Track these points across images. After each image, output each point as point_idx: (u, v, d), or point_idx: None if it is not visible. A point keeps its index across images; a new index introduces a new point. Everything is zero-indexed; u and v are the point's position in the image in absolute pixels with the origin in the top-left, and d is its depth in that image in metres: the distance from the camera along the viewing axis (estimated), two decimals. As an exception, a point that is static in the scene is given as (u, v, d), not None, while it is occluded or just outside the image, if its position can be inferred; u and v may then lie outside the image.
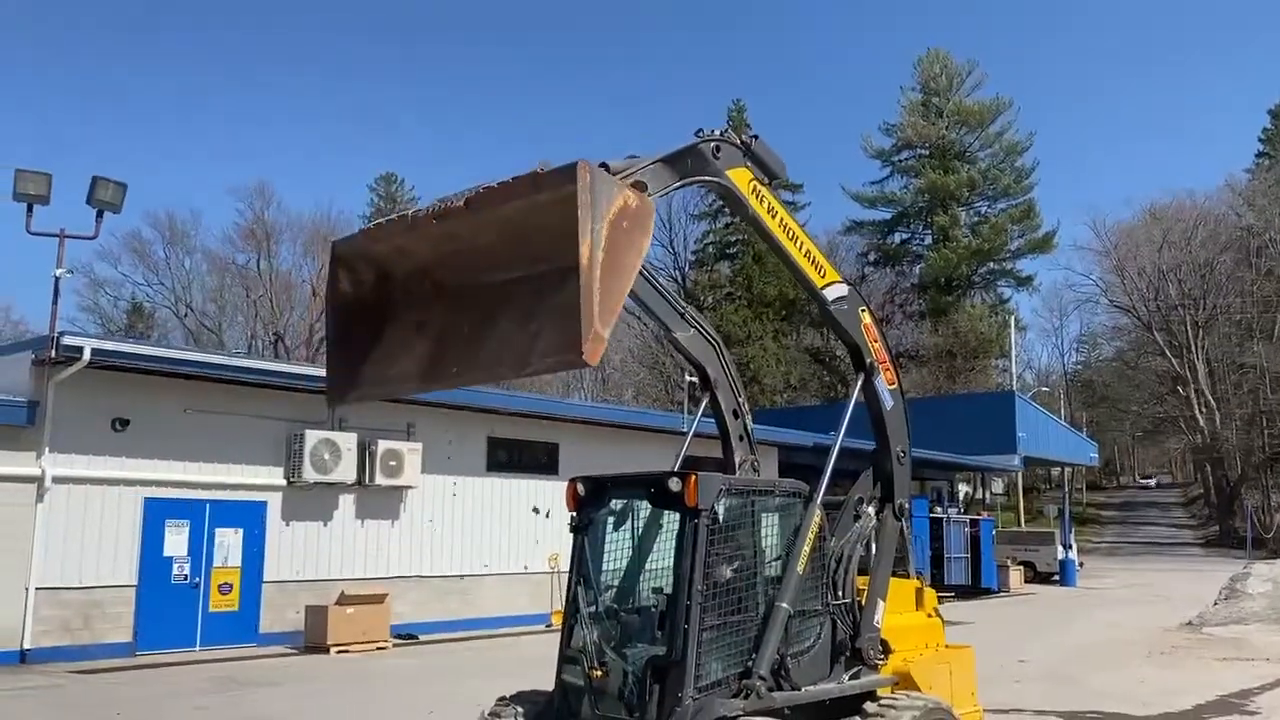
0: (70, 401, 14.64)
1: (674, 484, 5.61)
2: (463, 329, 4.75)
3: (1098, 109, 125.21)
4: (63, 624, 14.43)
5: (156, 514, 15.51)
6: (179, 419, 15.84)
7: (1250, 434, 61.42)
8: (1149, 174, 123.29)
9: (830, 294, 6.47)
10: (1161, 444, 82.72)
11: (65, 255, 16.52)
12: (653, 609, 5.98)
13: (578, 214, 4.10)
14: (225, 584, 16.27)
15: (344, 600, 16.49)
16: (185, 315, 62.70)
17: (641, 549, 6.28)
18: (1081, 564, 38.03)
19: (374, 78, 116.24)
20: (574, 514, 6.23)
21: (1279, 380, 60.30)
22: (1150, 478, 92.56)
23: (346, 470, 17.43)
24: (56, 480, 14.50)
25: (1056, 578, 35.40)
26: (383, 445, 17.96)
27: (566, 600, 6.17)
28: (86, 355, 14.13)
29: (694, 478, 5.59)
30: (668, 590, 5.84)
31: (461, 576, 19.64)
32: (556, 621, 6.50)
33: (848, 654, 6.38)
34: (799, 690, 5.90)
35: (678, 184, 5.39)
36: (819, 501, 6.19)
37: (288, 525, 17.16)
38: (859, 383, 6.80)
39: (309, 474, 16.92)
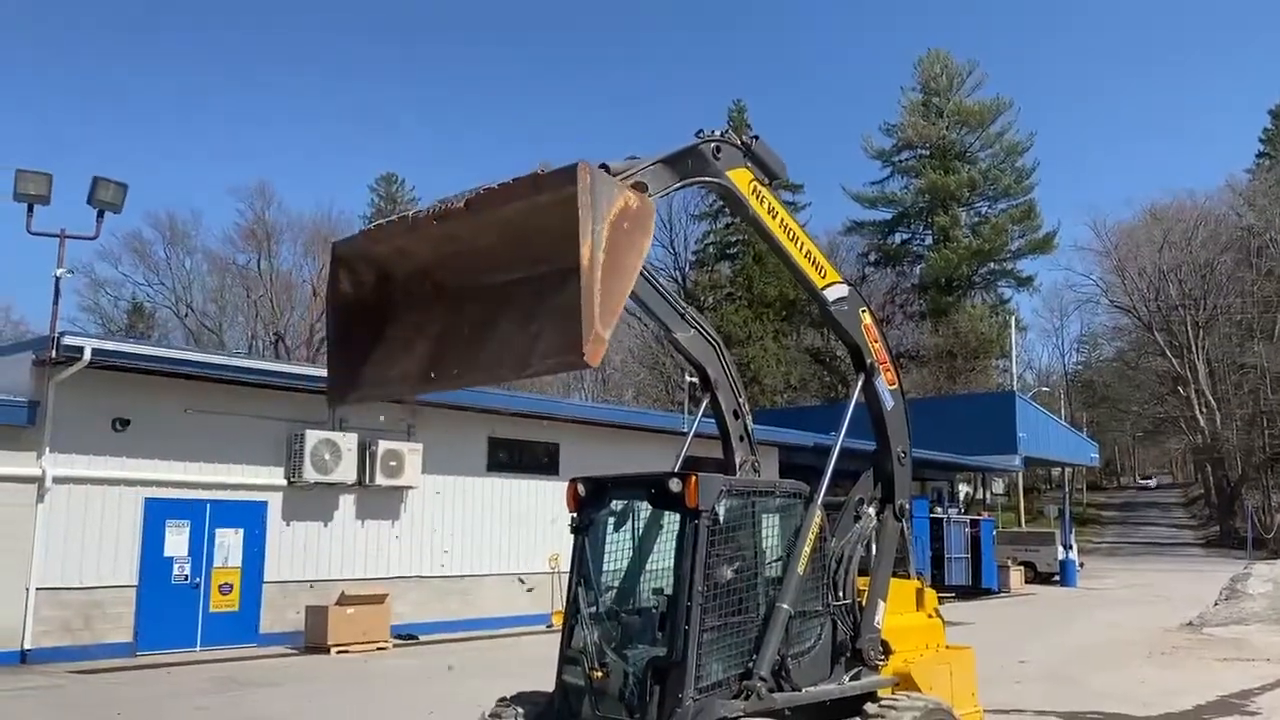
0: (71, 401, 14.65)
1: (674, 485, 5.61)
2: (463, 330, 4.75)
3: (1098, 109, 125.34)
4: (63, 624, 14.44)
5: (157, 514, 15.52)
6: (179, 419, 15.84)
7: (1251, 434, 61.41)
8: (1149, 174, 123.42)
9: (831, 294, 6.47)
10: (1162, 444, 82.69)
11: (66, 255, 16.55)
12: (653, 610, 5.99)
13: (578, 215, 4.10)
14: (226, 584, 16.27)
15: (344, 600, 16.50)
16: (186, 315, 62.72)
17: (642, 550, 6.28)
18: (1082, 564, 38.01)
19: (374, 78, 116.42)
20: (574, 515, 6.22)
21: (1279, 380, 60.29)
22: (1150, 478, 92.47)
23: (347, 470, 17.44)
24: (57, 480, 14.51)
25: (1057, 578, 35.39)
26: (383, 445, 17.97)
27: (567, 601, 6.17)
28: (87, 355, 14.14)
29: (694, 479, 5.59)
30: (668, 591, 5.85)
31: (461, 577, 19.65)
32: (557, 622, 6.50)
33: (848, 655, 6.37)
34: (799, 691, 5.90)
35: (678, 185, 5.38)
36: (819, 502, 6.19)
37: (288, 525, 17.16)
38: (859, 383, 6.80)
39: (309, 474, 16.93)
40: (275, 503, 17.03)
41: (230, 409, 16.38)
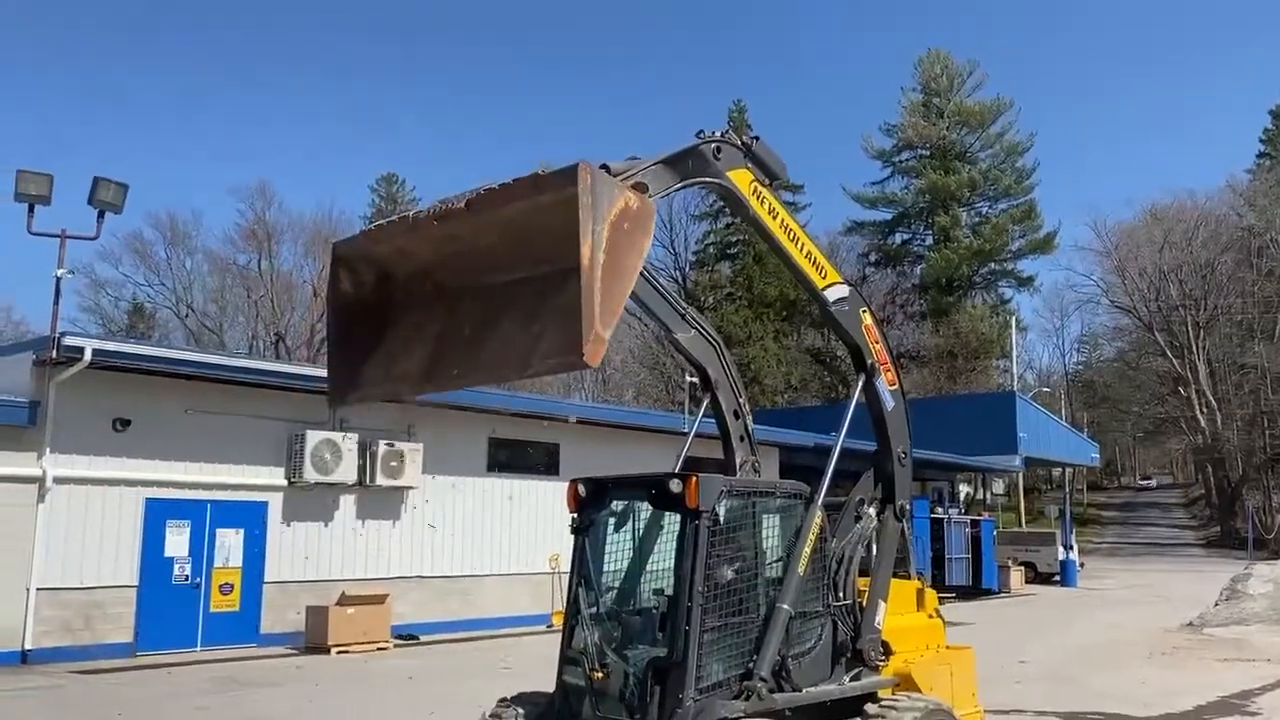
0: (71, 402, 14.65)
1: (675, 485, 5.61)
2: (464, 330, 4.75)
3: (1098, 109, 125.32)
4: (64, 624, 14.44)
5: (157, 514, 15.52)
6: (180, 419, 15.84)
7: (1251, 434, 61.41)
8: (1149, 174, 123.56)
9: (831, 295, 6.47)
10: (1162, 444, 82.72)
11: (66, 256, 16.56)
12: (654, 610, 5.98)
13: (579, 215, 4.09)
14: (226, 584, 16.28)
15: (345, 601, 16.50)
16: (186, 316, 62.71)
17: (642, 550, 6.28)
18: (1082, 565, 38.02)
19: (374, 78, 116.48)
20: (575, 515, 6.22)
21: (1279, 381, 60.38)
22: (1151, 478, 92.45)
23: (347, 471, 17.44)
24: (57, 480, 14.51)
25: (1057, 578, 35.40)
26: (383, 445, 17.97)
27: (568, 601, 6.17)
28: (87, 356, 14.14)
29: (695, 479, 5.59)
30: (669, 591, 5.84)
31: (462, 577, 19.65)
32: (557, 622, 6.50)
33: (849, 655, 6.37)
34: (800, 691, 5.90)
35: (679, 185, 5.38)
36: (820, 502, 6.19)
37: (289, 526, 17.17)
38: (860, 383, 6.80)
39: (310, 474, 16.93)
40: (276, 503, 17.03)
41: (231, 409, 16.38)
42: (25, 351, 15.04)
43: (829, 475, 6.29)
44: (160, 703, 11.80)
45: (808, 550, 6.02)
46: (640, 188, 4.73)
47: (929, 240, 69.68)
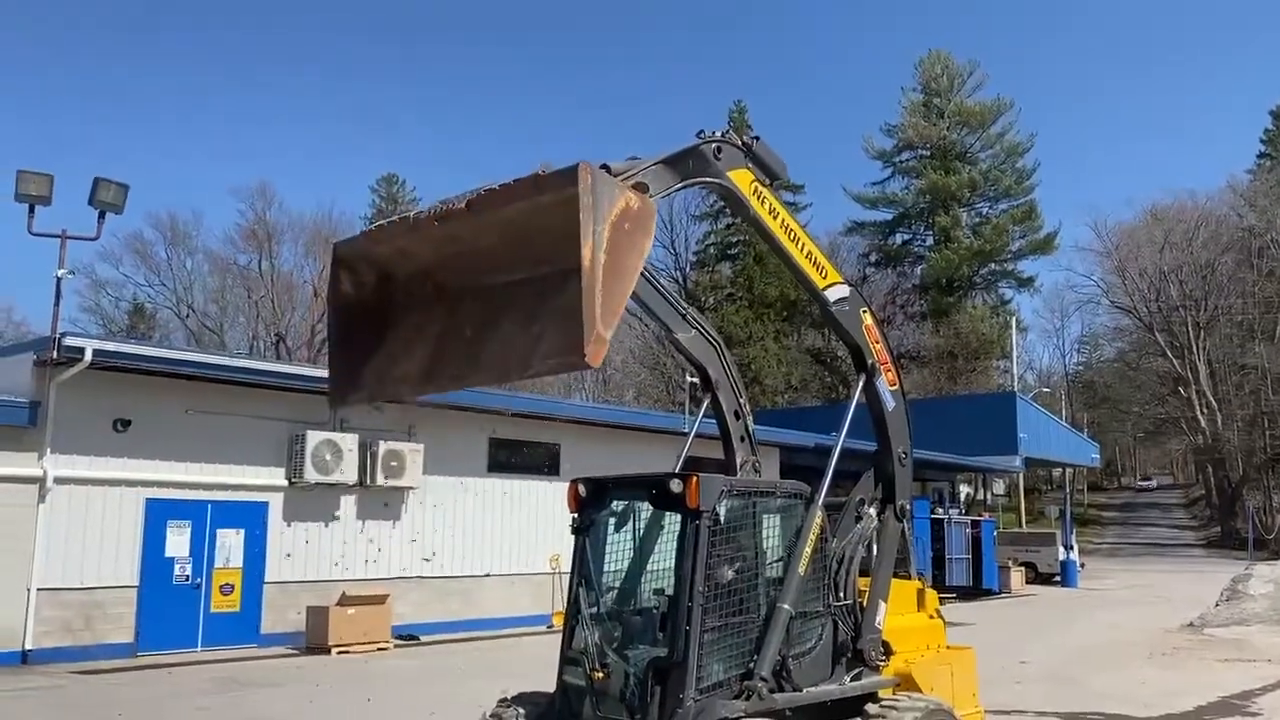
0: (72, 402, 14.65)
1: (675, 485, 5.61)
2: (464, 331, 4.75)
3: (1098, 109, 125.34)
4: (64, 625, 14.44)
5: (158, 515, 15.52)
6: (180, 420, 15.85)
7: (1252, 435, 61.40)
8: (1150, 174, 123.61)
9: (832, 295, 6.47)
10: (1163, 445, 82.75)
11: (67, 256, 16.52)
12: (654, 610, 5.98)
13: (579, 216, 4.09)
14: (227, 584, 16.28)
15: (345, 601, 16.50)
16: (187, 316, 62.71)
17: (643, 550, 6.28)
18: (1083, 565, 38.00)
19: (374, 78, 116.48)
20: (575, 515, 6.23)
21: (1280, 381, 60.35)
22: (1151, 479, 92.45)
23: (348, 471, 17.44)
24: (58, 481, 14.52)
25: (1058, 579, 35.39)
26: (384, 446, 17.97)
27: (568, 601, 6.17)
28: (88, 356, 14.15)
29: (695, 479, 5.59)
30: (669, 591, 5.84)
31: (462, 577, 19.64)
32: (558, 622, 6.50)
33: (849, 655, 6.37)
34: (800, 691, 5.90)
35: (679, 185, 5.38)
36: (820, 503, 6.19)
37: (289, 526, 17.17)
38: (860, 384, 6.80)
39: (310, 475, 16.93)
40: (276, 503, 17.03)
41: (231, 409, 16.39)
42: (26, 352, 15.05)
43: (829, 475, 6.29)
44: (161, 703, 11.80)
45: (808, 550, 6.02)
46: (641, 188, 4.73)
47: (929, 240, 69.73)
